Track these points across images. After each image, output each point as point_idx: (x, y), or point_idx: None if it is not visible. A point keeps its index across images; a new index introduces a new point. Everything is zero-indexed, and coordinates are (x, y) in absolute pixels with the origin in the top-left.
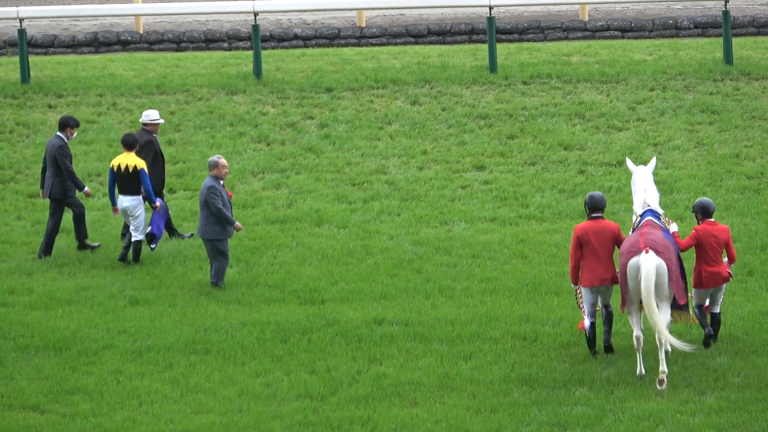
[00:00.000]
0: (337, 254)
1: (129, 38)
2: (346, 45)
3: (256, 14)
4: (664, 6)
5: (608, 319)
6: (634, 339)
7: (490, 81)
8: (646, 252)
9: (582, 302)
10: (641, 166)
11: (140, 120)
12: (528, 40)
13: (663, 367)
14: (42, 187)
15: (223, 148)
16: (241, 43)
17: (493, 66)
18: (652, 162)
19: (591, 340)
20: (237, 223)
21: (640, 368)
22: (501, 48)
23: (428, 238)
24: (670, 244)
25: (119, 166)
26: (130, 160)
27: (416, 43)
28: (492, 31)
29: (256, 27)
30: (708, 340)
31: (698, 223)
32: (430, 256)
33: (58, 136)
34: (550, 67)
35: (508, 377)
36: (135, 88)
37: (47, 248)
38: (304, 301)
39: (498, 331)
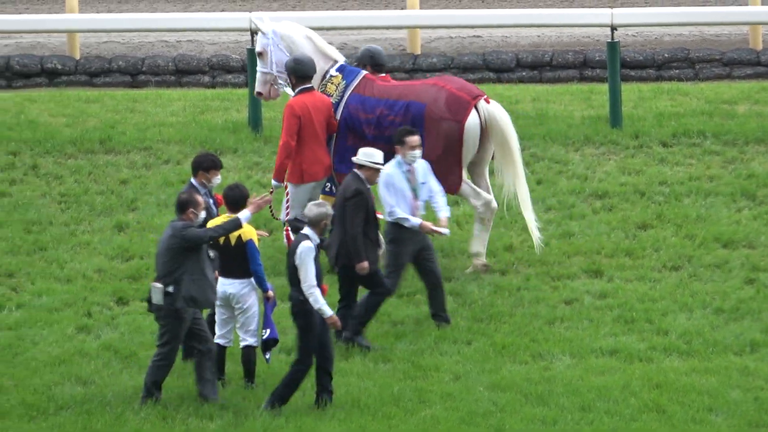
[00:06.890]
0: (374, 402)
1: (58, 66)
2: None
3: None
4: None
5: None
6: (484, 208)
7: (612, 140)
8: (487, 101)
9: (288, 209)
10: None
11: (354, 159)
12: (670, 79)
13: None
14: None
15: None
16: (230, 76)
17: (616, 118)
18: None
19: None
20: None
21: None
22: (629, 90)
23: (514, 380)
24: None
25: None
26: None
27: (498, 80)
28: (615, 64)
29: (252, 51)
30: None
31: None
32: (516, 408)
33: (191, 184)
34: (703, 120)
35: None
36: (67, 142)
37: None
38: None
39: None
